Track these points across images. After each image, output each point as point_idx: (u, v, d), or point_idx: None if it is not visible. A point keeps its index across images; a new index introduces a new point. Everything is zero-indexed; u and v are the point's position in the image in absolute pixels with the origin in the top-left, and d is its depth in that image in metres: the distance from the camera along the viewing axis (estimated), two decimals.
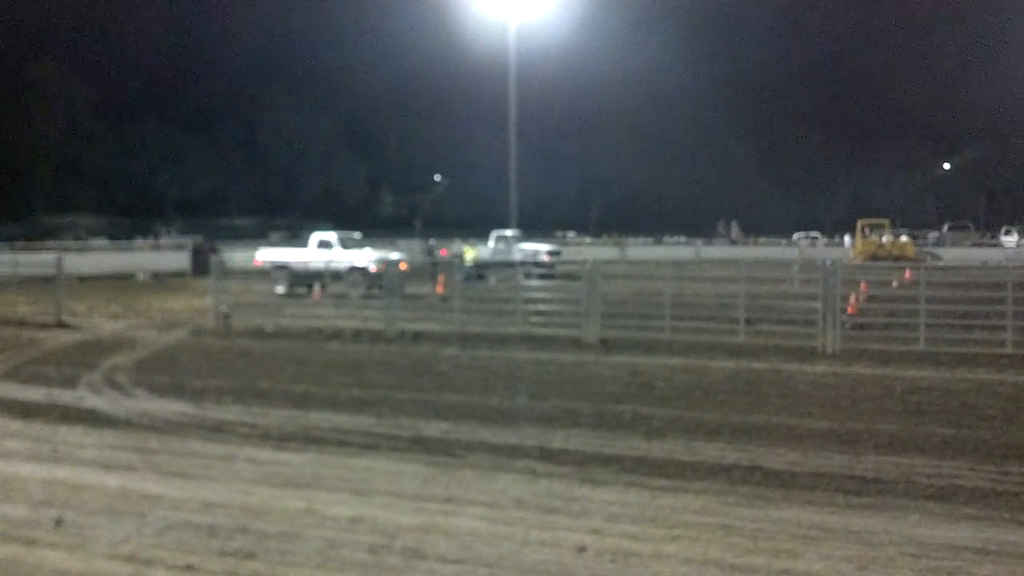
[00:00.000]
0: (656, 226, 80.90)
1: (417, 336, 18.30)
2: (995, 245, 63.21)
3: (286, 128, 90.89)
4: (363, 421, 10.67)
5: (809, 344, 16.17)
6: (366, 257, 29.07)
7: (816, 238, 68.16)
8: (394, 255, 30.21)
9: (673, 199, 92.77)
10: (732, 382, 13.31)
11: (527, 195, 64.14)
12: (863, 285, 22.10)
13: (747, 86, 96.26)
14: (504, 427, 10.28)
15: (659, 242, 73.61)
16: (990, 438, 9.54)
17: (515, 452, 9.15)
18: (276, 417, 10.93)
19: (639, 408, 11.24)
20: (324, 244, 30.03)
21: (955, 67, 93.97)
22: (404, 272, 27.00)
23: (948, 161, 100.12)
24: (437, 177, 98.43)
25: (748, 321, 17.79)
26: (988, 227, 74.33)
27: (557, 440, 9.62)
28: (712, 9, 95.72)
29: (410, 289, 24.42)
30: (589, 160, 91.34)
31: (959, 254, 54.32)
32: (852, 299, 18.85)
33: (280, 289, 27.45)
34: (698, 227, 78.41)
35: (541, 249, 41.73)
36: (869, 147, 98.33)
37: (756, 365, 14.62)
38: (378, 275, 25.79)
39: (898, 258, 45.11)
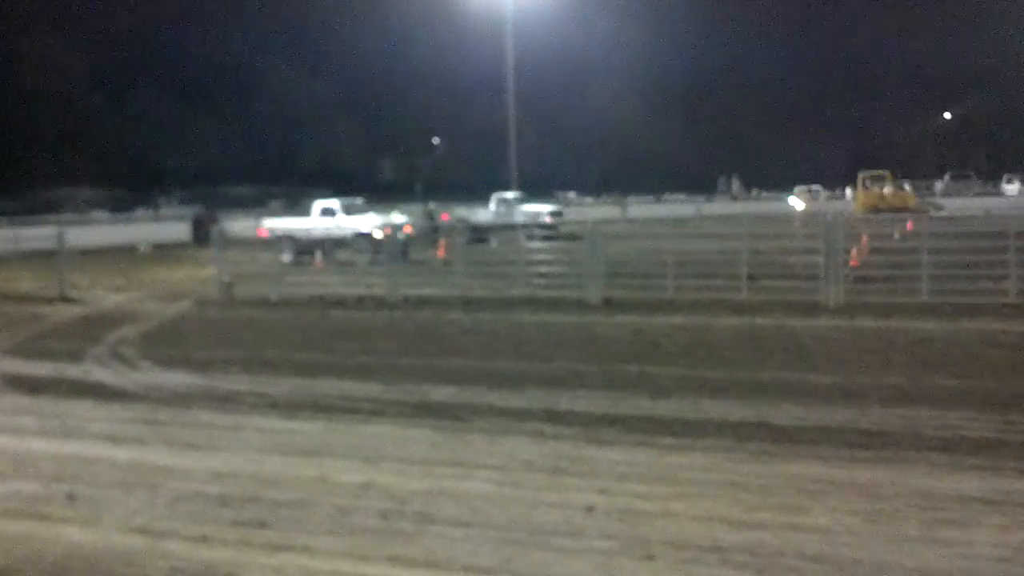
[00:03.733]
0: (657, 184, 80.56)
1: (420, 301, 18.31)
2: (997, 194, 63.02)
3: (283, 96, 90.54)
4: (370, 388, 10.72)
5: (812, 298, 16.18)
6: (370, 223, 28.90)
7: (818, 191, 67.90)
8: (398, 219, 30.13)
9: (673, 156, 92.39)
10: (736, 339, 13.34)
11: (526, 157, 63.98)
12: (864, 238, 22.05)
13: (745, 40, 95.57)
14: (510, 390, 10.32)
15: (660, 200, 73.37)
16: (995, 388, 9.57)
17: (522, 415, 9.20)
18: (283, 386, 10.98)
19: (644, 368, 11.27)
20: (327, 211, 29.93)
21: (954, 17, 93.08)
22: (408, 236, 27.03)
23: (948, 111, 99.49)
24: (435, 140, 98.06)
25: (751, 277, 17.79)
26: (989, 176, 74.00)
27: (563, 402, 9.66)
28: None
29: (412, 254, 24.42)
30: (589, 119, 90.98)
31: (961, 204, 54.18)
32: (854, 252, 18.84)
33: (287, 258, 27.30)
34: (699, 184, 78.12)
35: (543, 211, 41.48)
36: (869, 98, 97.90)
37: (759, 321, 14.64)
38: (383, 241, 25.89)
39: (900, 209, 44.95)
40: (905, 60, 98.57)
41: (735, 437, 8.10)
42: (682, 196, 74.89)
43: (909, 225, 25.57)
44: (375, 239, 26.59)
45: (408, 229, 28.27)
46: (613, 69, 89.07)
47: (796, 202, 59.01)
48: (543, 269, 20.36)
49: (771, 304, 16.05)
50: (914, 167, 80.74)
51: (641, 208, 63.63)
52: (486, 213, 40.51)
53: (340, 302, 18.64)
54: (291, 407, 9.91)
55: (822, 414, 8.75)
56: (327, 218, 29.20)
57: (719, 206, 65.74)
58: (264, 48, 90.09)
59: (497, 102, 62.10)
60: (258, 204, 66.47)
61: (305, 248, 26.79)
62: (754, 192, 73.40)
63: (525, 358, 12.34)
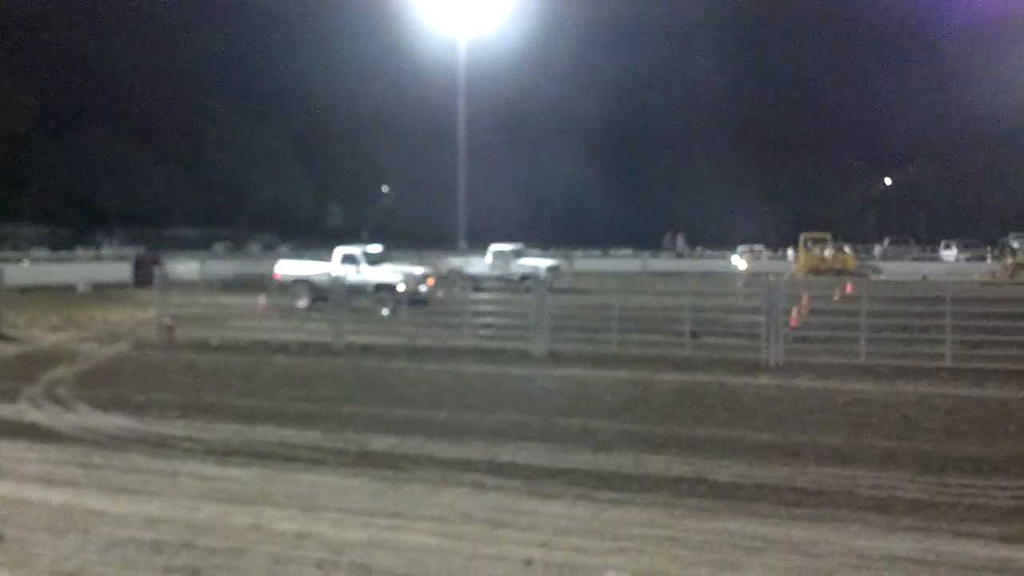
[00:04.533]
0: (603, 239, 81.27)
1: (364, 349, 18.23)
2: (935, 259, 64.58)
3: (232, 139, 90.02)
4: (310, 435, 10.61)
5: (753, 357, 16.41)
6: (395, 273, 27.96)
7: (760, 251, 69.01)
8: (419, 270, 29.52)
9: (620, 212, 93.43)
10: (678, 395, 13.46)
11: (476, 207, 64.28)
12: (805, 299, 22.46)
13: (694, 102, 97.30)
14: (452, 441, 10.29)
15: (606, 255, 73.97)
16: (929, 450, 9.76)
17: (464, 466, 9.18)
18: (221, 431, 10.83)
19: (587, 421, 11.32)
20: (349, 259, 28.63)
21: (897, 87, 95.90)
22: (430, 288, 27.39)
23: (890, 177, 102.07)
24: (384, 188, 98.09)
25: (693, 334, 18.01)
26: (928, 241, 75.85)
27: (506, 454, 9.66)
28: (660, 26, 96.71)
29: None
30: (537, 173, 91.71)
31: (899, 267, 55.51)
32: (794, 312, 19.16)
33: (302, 304, 26.36)
34: (644, 240, 78.93)
35: (541, 264, 40.79)
36: (813, 162, 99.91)
37: (701, 378, 14.80)
38: (406, 292, 25.67)
39: (840, 272, 45.87)
40: (849, 125, 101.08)
41: (675, 492, 8.16)
42: (628, 251, 75.60)
43: (848, 287, 26.10)
44: (398, 291, 26.03)
45: (431, 282, 28.06)
46: (563, 124, 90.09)
47: (739, 261, 59.91)
48: (489, 320, 20.39)
49: (713, 361, 16.24)
50: (855, 230, 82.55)
51: (588, 262, 64.11)
52: (481, 265, 39.78)
53: (283, 348, 18.48)
54: (228, 453, 9.78)
55: (760, 471, 8.86)
56: (349, 266, 27.89)
57: (664, 262, 66.44)
58: (214, 90, 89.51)
59: (447, 153, 62.53)
60: (202, 246, 65.75)
61: (322, 295, 24.52)
62: (698, 250, 74.32)
63: (468, 409, 12.33)
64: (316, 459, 9.54)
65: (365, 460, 9.50)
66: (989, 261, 58.56)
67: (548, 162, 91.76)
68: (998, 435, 10.57)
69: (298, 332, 19.96)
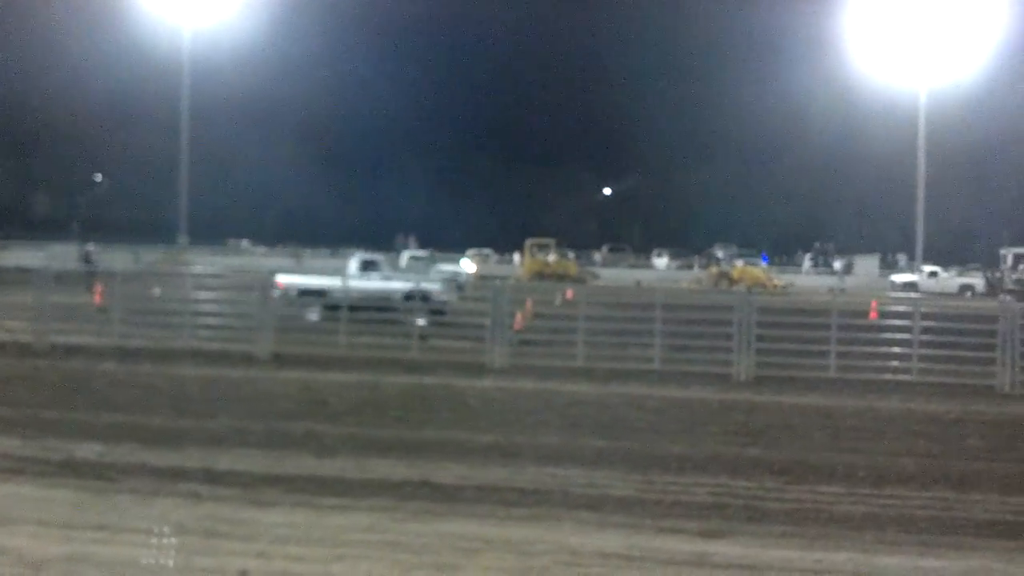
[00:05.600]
0: (335, 238, 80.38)
1: (71, 350, 16.94)
2: (648, 267, 68.88)
3: None
4: (6, 443, 9.73)
5: (479, 360, 16.76)
6: (428, 279, 25.57)
7: (488, 255, 70.78)
8: (458, 271, 26.26)
9: (354, 211, 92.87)
10: (404, 397, 13.51)
11: (199, 201, 61.60)
12: (528, 303, 23.22)
13: (426, 105, 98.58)
14: (166, 448, 9.77)
15: (336, 254, 73.21)
16: (638, 449, 10.35)
17: (177, 475, 8.72)
18: None
19: (311, 425, 11.11)
20: (369, 265, 25.27)
21: (618, 101, 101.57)
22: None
23: (609, 187, 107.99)
24: (97, 177, 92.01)
25: (421, 336, 18.17)
26: (643, 250, 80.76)
27: (224, 461, 9.27)
28: (393, 28, 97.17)
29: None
30: (265, 169, 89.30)
31: (617, 274, 58.78)
32: (519, 316, 19.76)
33: (314, 317, 22.18)
34: (376, 240, 78.87)
35: (461, 271, 38.42)
36: (541, 171, 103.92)
37: (428, 380, 14.93)
38: (447, 300, 22.97)
39: (563, 277, 47.88)
40: (576, 136, 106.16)
41: (397, 496, 8.16)
42: (359, 251, 75.29)
43: (569, 293, 27.23)
44: (440, 298, 22.93)
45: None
46: (294, 121, 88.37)
47: (468, 264, 61.21)
48: (210, 321, 19.55)
49: (440, 364, 16.44)
50: (577, 237, 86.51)
51: (318, 261, 63.13)
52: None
53: None
54: None
55: (481, 473, 9.04)
56: (369, 273, 24.66)
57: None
58: None
59: (171, 144, 59.51)
60: None
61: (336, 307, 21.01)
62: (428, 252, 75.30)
63: (184, 414, 11.75)
64: (13, 468, 8.75)
65: (69, 469, 8.83)
66: (696, 269, 63.21)
67: (277, 159, 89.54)
68: (699, 434, 11.39)
69: None
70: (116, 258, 40.82)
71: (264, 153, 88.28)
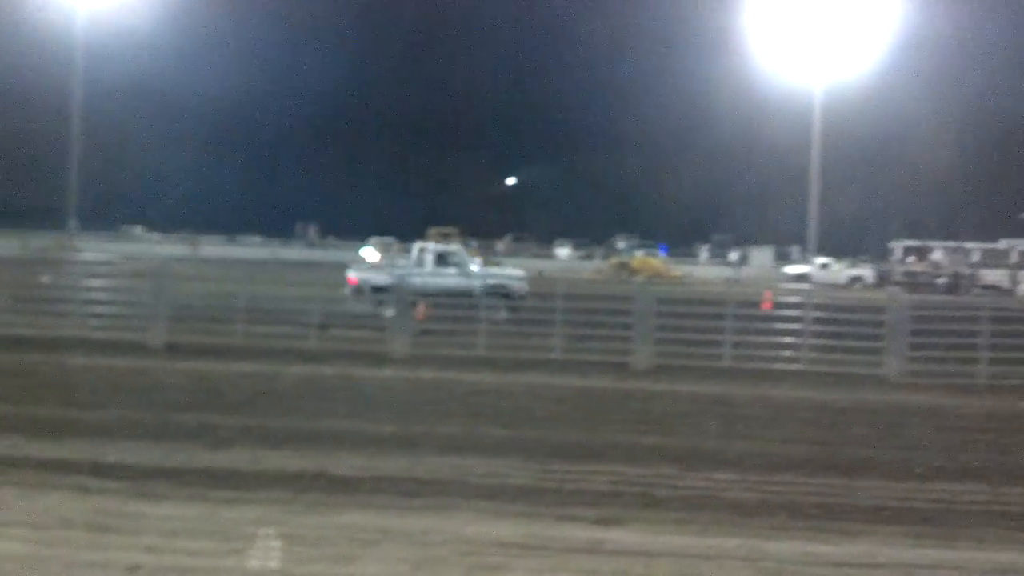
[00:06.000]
0: (232, 225, 78.76)
1: None
2: (550, 257, 69.38)
3: None
4: None
5: (380, 349, 16.63)
6: (507, 274, 24.97)
7: (391, 243, 70.30)
8: (513, 271, 25.81)
9: (250, 199, 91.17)
10: (303, 387, 13.34)
11: (91, 186, 59.64)
12: None
13: (326, 93, 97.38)
14: (52, 441, 9.41)
15: (234, 242, 71.84)
16: (538, 438, 10.41)
17: (64, 467, 8.43)
18: None
19: (204, 417, 10.85)
20: (444, 259, 24.37)
21: (523, 90, 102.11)
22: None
23: (514, 176, 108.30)
24: None
25: (322, 326, 17.93)
26: (546, 240, 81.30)
27: (112, 453, 9.00)
28: (296, 15, 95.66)
29: None
30: (159, 150, 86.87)
31: (520, 263, 58.92)
32: (421, 306, 19.66)
33: (389, 313, 20.08)
34: (276, 227, 77.54)
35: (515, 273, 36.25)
36: (444, 158, 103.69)
37: (327, 370, 14.74)
38: (523, 296, 22.72)
39: None
40: (480, 124, 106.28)
41: (293, 488, 8.03)
42: (258, 239, 73.95)
43: None
44: (520, 292, 22.98)
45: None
46: (190, 105, 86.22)
47: (370, 253, 60.66)
48: (100, 309, 18.92)
49: (340, 354, 16.25)
50: (481, 226, 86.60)
51: (214, 249, 61.89)
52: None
53: None
54: None
55: (379, 463, 8.97)
56: (445, 268, 23.98)
57: (296, 252, 65.80)
58: None
59: (60, 127, 57.37)
60: None
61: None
62: (329, 239, 74.31)
63: (72, 405, 11.36)
64: None
65: None
66: (597, 260, 63.93)
67: (173, 144, 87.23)
68: (598, 423, 11.51)
69: None
70: (2, 244, 39.33)
71: (159, 139, 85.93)
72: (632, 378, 15.28)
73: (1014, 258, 53.32)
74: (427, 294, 20.46)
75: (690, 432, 11.18)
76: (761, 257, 64.70)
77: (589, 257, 68.15)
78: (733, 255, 63.64)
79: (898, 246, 60.29)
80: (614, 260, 57.40)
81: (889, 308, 16.72)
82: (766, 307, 20.31)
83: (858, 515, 7.92)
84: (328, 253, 64.03)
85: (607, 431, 11.00)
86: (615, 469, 9.09)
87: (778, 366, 16.36)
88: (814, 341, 16.94)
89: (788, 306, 21.05)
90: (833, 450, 10.37)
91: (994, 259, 58.76)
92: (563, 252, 71.71)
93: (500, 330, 17.88)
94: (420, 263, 24.17)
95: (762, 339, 17.18)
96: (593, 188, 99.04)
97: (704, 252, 70.08)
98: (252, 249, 65.82)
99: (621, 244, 68.65)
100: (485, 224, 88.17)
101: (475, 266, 25.72)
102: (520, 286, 23.44)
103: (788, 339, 17.24)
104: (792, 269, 57.01)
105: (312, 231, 78.01)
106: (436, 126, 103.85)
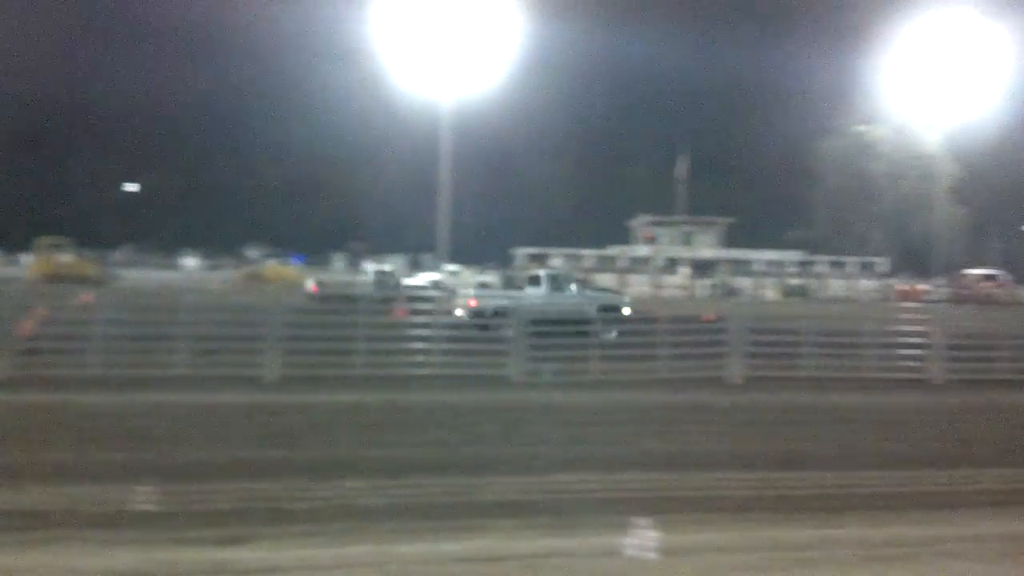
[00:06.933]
0: None
1: None
2: (177, 268, 66.35)
3: None
4: None
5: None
6: (618, 298, 26.75)
7: None
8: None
9: None
10: None
11: None
12: (40, 308, 21.17)
13: None
14: None
15: None
16: (158, 460, 9.84)
17: None
18: None
19: None
20: (555, 282, 25.63)
21: (146, 96, 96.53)
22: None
23: (136, 182, 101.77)
24: None
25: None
26: (172, 250, 77.40)
27: None
28: None
29: None
30: None
31: (143, 275, 55.82)
32: (27, 322, 17.94)
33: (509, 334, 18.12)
34: None
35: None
36: (52, 161, 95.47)
37: None
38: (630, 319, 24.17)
39: (80, 278, 44.48)
40: (95, 126, 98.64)
41: None
42: None
43: (87, 296, 25.34)
44: (628, 312, 24.93)
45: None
46: None
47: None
48: None
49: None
50: (101, 236, 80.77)
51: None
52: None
53: None
54: None
55: None
56: (559, 292, 25.31)
57: None
58: None
59: None
60: None
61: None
62: None
63: None
64: None
65: None
66: (227, 270, 62.09)
67: None
68: (224, 440, 11.05)
69: None
70: None
71: None
72: (262, 391, 14.79)
73: (622, 264, 59.19)
74: (544, 316, 21.39)
75: (320, 442, 11.02)
76: (395, 265, 66.06)
77: (219, 268, 65.96)
78: (368, 265, 64.40)
79: (521, 253, 64.35)
80: (245, 270, 55.98)
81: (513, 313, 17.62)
82: (400, 314, 20.72)
83: (482, 511, 8.27)
84: None
85: (233, 447, 10.61)
86: (240, 486, 8.79)
87: (410, 371, 16.75)
88: (443, 346, 17.54)
89: (419, 313, 21.61)
90: (455, 450, 10.75)
91: (604, 265, 64.96)
92: (190, 262, 68.88)
93: (119, 347, 16.61)
94: (535, 285, 25.79)
95: (394, 346, 17.53)
96: (223, 197, 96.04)
97: (339, 261, 70.35)
98: None
99: (252, 254, 67.19)
100: (103, 233, 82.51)
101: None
102: (629, 307, 25.64)
103: (419, 345, 17.74)
104: (425, 276, 58.77)
105: None
106: (46, 128, 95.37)
